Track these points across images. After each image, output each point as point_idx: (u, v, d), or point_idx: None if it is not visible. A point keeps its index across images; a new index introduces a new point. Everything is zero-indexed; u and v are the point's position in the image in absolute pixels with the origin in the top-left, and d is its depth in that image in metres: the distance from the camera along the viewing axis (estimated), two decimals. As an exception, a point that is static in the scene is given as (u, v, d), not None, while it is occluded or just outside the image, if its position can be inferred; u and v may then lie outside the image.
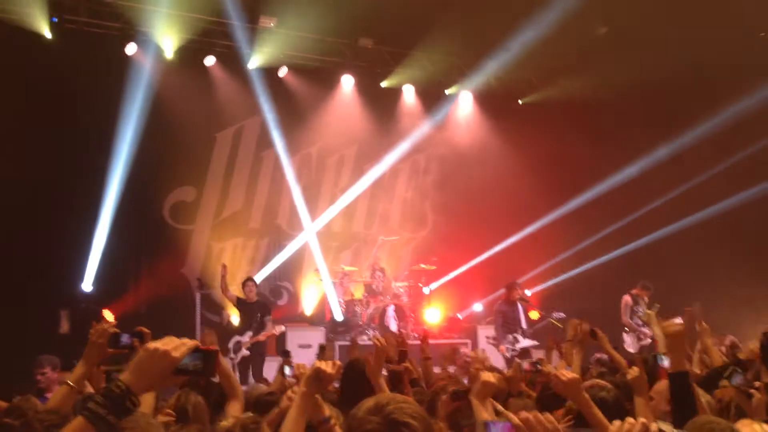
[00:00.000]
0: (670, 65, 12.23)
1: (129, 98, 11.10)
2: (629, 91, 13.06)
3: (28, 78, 10.16)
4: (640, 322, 10.42)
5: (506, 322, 10.61)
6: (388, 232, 13.76)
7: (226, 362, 3.89)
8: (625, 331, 10.45)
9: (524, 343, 10.23)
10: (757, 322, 10.98)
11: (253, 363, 9.55)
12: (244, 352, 9.52)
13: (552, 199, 13.60)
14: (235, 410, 3.54)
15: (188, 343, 1.82)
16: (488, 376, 3.15)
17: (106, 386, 1.74)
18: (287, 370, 4.77)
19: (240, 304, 9.92)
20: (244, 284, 9.97)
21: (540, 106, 14.46)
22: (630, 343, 10.35)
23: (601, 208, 13.38)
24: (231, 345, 9.56)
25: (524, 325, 10.63)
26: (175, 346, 1.79)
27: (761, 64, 11.98)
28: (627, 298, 10.67)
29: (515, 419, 1.98)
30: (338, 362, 2.87)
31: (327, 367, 2.74)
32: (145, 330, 2.92)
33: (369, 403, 1.83)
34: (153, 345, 1.79)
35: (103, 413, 1.68)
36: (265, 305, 10.21)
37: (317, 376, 2.73)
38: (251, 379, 9.03)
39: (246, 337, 9.63)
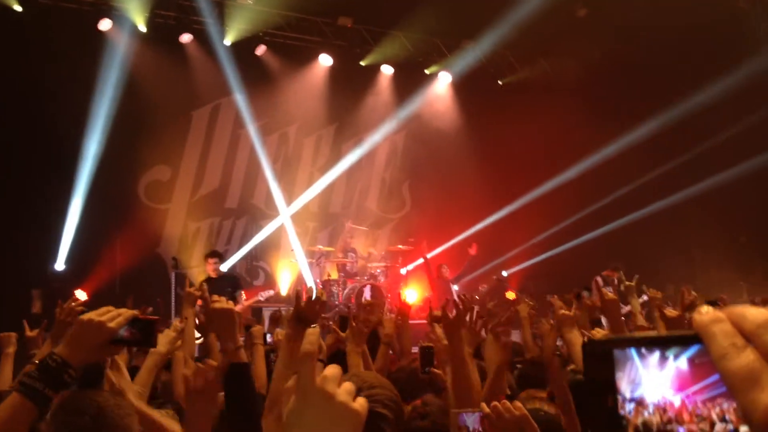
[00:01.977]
0: (649, 47, 12.27)
1: (103, 75, 10.94)
2: (608, 73, 13.10)
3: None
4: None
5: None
6: (365, 213, 13.75)
7: (191, 325, 3.82)
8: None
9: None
10: (732, 302, 11.14)
11: None
12: None
13: (530, 179, 13.63)
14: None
15: (125, 313, 1.77)
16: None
17: (41, 360, 1.68)
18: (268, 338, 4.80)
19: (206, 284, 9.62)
20: (205, 259, 9.47)
21: (520, 86, 14.45)
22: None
23: (579, 188, 13.44)
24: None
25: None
26: (111, 316, 1.75)
27: (739, 44, 12.07)
28: (597, 279, 10.96)
29: (486, 408, 1.98)
30: (324, 299, 2.87)
31: (308, 304, 2.75)
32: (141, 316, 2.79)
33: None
34: (88, 316, 1.74)
35: (40, 387, 1.63)
36: (235, 279, 9.79)
37: (299, 316, 2.73)
38: None
39: None
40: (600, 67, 12.94)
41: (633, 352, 0.81)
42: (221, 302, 2.38)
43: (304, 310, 2.77)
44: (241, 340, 2.32)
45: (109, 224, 11.09)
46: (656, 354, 0.80)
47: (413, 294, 12.46)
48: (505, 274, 13.38)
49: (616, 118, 13.26)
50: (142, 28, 11.61)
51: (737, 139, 12.45)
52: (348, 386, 0.96)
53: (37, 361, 1.70)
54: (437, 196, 13.57)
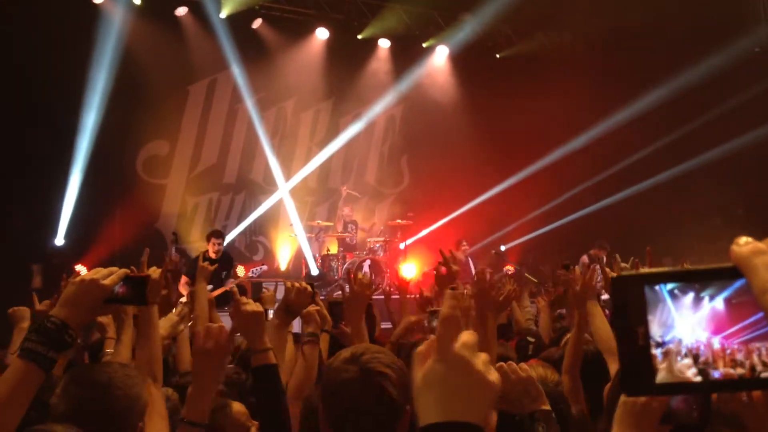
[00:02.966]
0: (647, 19, 12.19)
1: (98, 50, 10.83)
2: (606, 46, 13.04)
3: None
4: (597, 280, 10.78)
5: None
6: (363, 187, 13.74)
7: (204, 300, 3.83)
8: None
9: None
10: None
11: None
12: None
13: (528, 153, 13.61)
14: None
15: (118, 271, 1.78)
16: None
17: (40, 323, 1.68)
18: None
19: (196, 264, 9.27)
20: (208, 238, 9.35)
21: (517, 60, 14.37)
22: None
23: (577, 162, 13.43)
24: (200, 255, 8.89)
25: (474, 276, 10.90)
26: (104, 274, 1.76)
27: (736, 18, 12.01)
28: (584, 258, 11.14)
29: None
30: (309, 290, 2.88)
31: (295, 296, 2.76)
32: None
33: (345, 353, 1.82)
34: (80, 276, 1.75)
35: (42, 350, 1.63)
36: (230, 260, 9.63)
37: (287, 307, 2.75)
38: None
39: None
40: (598, 40, 12.88)
41: (665, 293, 0.80)
42: (251, 304, 2.38)
43: (293, 301, 2.78)
44: (268, 341, 2.32)
45: (108, 199, 11.07)
46: (690, 295, 0.79)
47: (412, 268, 12.48)
48: (503, 248, 13.39)
49: (614, 92, 13.21)
50: (137, 0, 11.48)
51: (734, 113, 12.45)
52: (485, 356, 0.94)
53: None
54: (436, 169, 13.54)
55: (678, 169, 13.11)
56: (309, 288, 2.96)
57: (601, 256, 11.18)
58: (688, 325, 0.80)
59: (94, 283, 1.73)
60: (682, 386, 0.82)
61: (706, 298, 0.79)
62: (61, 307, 1.71)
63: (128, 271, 1.80)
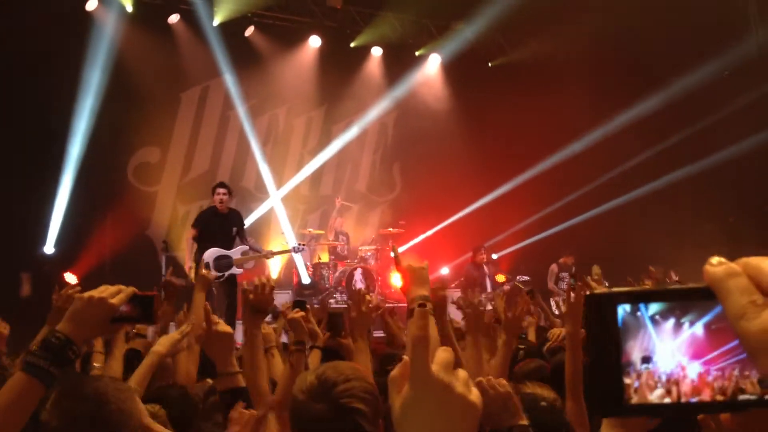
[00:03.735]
0: (642, 25, 12.24)
1: (90, 57, 10.82)
2: (599, 52, 13.08)
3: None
4: (563, 286, 11.19)
5: (471, 284, 10.85)
6: (355, 195, 13.73)
7: (200, 309, 3.82)
8: (553, 298, 10.99)
9: (489, 306, 10.38)
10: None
11: (226, 295, 8.56)
12: (235, 270, 8.64)
13: (520, 162, 13.64)
14: (189, 362, 3.47)
15: (125, 289, 1.77)
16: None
17: (44, 338, 1.68)
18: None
19: (206, 215, 8.87)
20: (213, 191, 8.91)
21: (509, 68, 14.41)
22: (555, 308, 10.88)
23: (568, 171, 13.46)
24: (210, 260, 8.48)
25: (489, 288, 10.95)
26: (111, 293, 1.75)
27: (732, 21, 12.09)
28: (553, 267, 11.64)
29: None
30: (269, 284, 2.87)
31: (254, 294, 2.75)
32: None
33: (311, 378, 1.76)
34: (88, 293, 1.74)
35: (45, 365, 1.63)
36: (239, 215, 9.24)
37: (253, 307, 2.74)
38: None
39: (237, 253, 8.67)
40: (590, 49, 12.91)
41: (646, 319, 0.79)
42: (221, 324, 2.37)
43: (256, 301, 2.78)
44: (236, 364, 2.31)
45: (99, 206, 11.03)
46: (671, 321, 0.78)
47: (398, 277, 12.46)
48: (494, 257, 13.39)
49: (607, 100, 13.24)
50: (129, 8, 11.48)
51: (727, 121, 12.50)
52: (463, 375, 0.89)
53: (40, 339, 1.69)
54: (428, 178, 13.54)
55: (670, 177, 13.16)
56: (270, 282, 2.93)
57: (569, 263, 11.51)
58: (668, 351, 0.79)
59: (101, 301, 1.73)
60: (654, 408, 0.81)
61: (686, 324, 0.79)
62: (66, 323, 1.71)
63: (136, 290, 1.79)
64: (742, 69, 12.42)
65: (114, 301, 1.74)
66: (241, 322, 3.42)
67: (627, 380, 0.78)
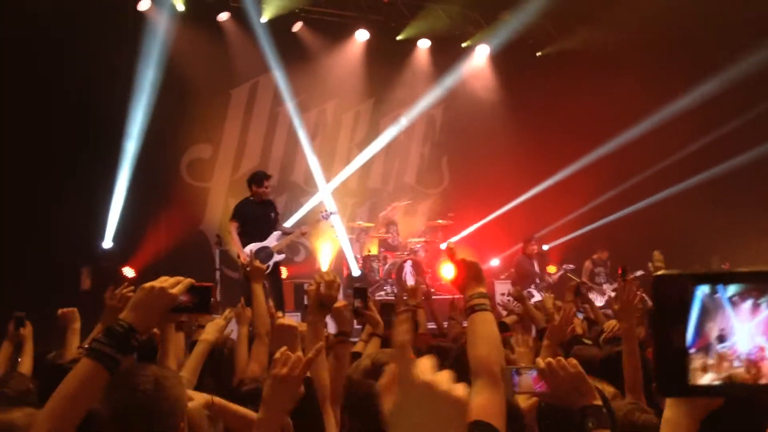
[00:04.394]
0: (695, 7, 11.94)
1: (143, 56, 11.05)
2: (650, 38, 12.81)
3: (38, 36, 10.10)
4: (601, 281, 11.38)
5: (522, 276, 10.79)
6: (404, 189, 13.76)
7: (263, 299, 3.89)
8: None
9: (539, 296, 10.33)
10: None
11: (271, 284, 8.55)
12: (277, 257, 8.82)
13: (570, 152, 13.46)
14: (260, 354, 3.54)
15: (184, 280, 1.84)
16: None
17: (109, 326, 1.76)
18: None
19: (243, 207, 9.01)
20: (261, 182, 9.00)
21: (558, 58, 14.22)
22: (596, 299, 10.93)
23: (619, 161, 13.24)
24: (250, 252, 8.63)
25: (539, 278, 10.90)
26: (171, 283, 1.82)
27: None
28: (587, 264, 11.69)
29: (541, 364, 1.98)
30: (337, 281, 2.91)
31: (324, 289, 2.79)
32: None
33: (365, 362, 1.82)
34: (150, 284, 1.81)
35: (110, 351, 1.70)
36: (272, 202, 9.45)
37: (320, 302, 2.78)
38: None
39: (272, 240, 8.84)
40: (641, 36, 12.66)
41: (725, 300, 0.80)
42: (285, 318, 2.44)
43: (324, 295, 2.81)
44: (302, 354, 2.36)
45: (154, 202, 11.29)
46: (749, 302, 0.79)
47: (453, 269, 12.43)
48: (545, 248, 13.27)
49: (658, 88, 12.97)
50: (180, 7, 11.68)
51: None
52: (446, 374, 0.91)
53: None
54: (476, 170, 13.49)
55: (728, 164, 12.83)
56: (337, 279, 2.97)
57: (604, 258, 11.37)
58: (746, 332, 0.80)
59: (162, 291, 1.80)
60: (716, 389, 0.81)
61: (764, 304, 0.79)
62: (129, 312, 1.78)
63: (193, 280, 1.85)
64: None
65: (174, 291, 1.80)
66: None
67: (709, 360, 0.79)
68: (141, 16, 11.31)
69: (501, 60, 14.19)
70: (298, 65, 12.58)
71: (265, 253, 8.76)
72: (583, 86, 12.93)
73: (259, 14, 12.19)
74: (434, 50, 13.97)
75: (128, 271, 10.21)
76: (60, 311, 4.11)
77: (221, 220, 12.30)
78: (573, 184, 13.36)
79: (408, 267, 11.53)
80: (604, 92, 12.68)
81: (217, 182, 12.55)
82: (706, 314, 0.82)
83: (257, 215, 8.95)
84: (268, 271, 8.42)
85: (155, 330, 3.10)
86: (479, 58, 14.31)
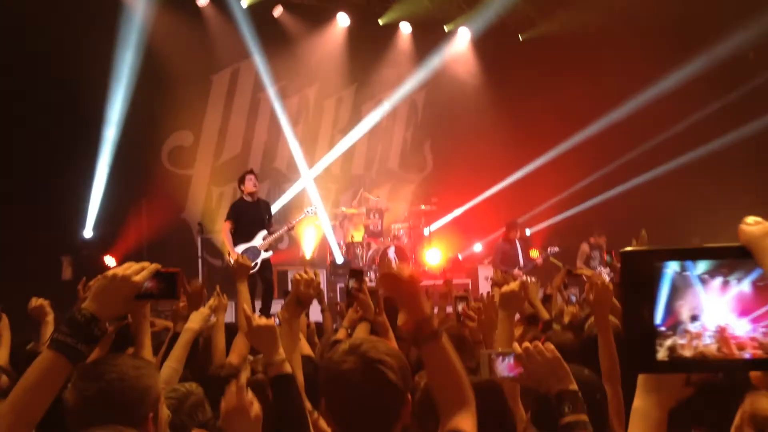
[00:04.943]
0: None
1: (122, 42, 10.91)
2: (630, 24, 12.83)
3: (16, 22, 9.95)
4: (595, 266, 11.26)
5: (504, 260, 10.83)
6: (387, 173, 13.76)
7: (246, 294, 3.92)
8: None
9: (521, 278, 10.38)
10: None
11: (262, 280, 8.75)
12: (264, 254, 8.86)
13: (552, 136, 13.50)
14: (241, 346, 3.57)
15: (149, 266, 1.80)
16: (511, 286, 3.16)
17: (70, 316, 1.72)
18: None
19: (237, 207, 9.00)
20: (243, 179, 9.00)
21: (540, 41, 14.20)
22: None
23: (601, 145, 13.29)
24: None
25: (522, 262, 10.92)
26: (135, 270, 1.77)
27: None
28: (584, 247, 11.50)
29: (518, 349, 1.99)
30: (317, 280, 2.91)
31: (304, 288, 2.80)
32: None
33: (344, 345, 1.84)
34: (112, 271, 1.76)
35: (72, 342, 1.67)
36: (268, 204, 9.49)
37: (297, 299, 2.79)
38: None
39: (259, 239, 8.85)
40: (622, 18, 12.67)
41: (695, 278, 0.79)
42: (260, 319, 2.43)
43: (303, 294, 2.82)
44: (283, 352, 2.37)
45: (135, 190, 11.18)
46: (719, 279, 0.79)
47: (436, 254, 12.48)
48: (528, 232, 13.33)
49: (640, 70, 13.00)
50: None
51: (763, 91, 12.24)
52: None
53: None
54: (459, 154, 13.50)
55: (707, 148, 12.92)
56: (317, 278, 2.97)
57: (601, 243, 11.40)
58: (716, 309, 0.80)
59: (125, 278, 1.75)
60: (686, 364, 0.81)
61: (733, 282, 0.79)
62: (91, 301, 1.74)
63: (159, 266, 1.82)
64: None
65: (137, 278, 1.76)
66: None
67: (678, 338, 0.79)
68: (119, 1, 11.15)
69: (483, 44, 14.17)
70: (279, 50, 12.48)
71: (251, 252, 8.75)
72: (565, 70, 12.96)
73: (240, -1, 12.07)
74: (416, 34, 13.92)
75: (110, 260, 10.12)
76: (29, 307, 4.07)
77: (203, 208, 12.25)
78: (556, 167, 13.40)
79: (391, 253, 11.54)
80: (587, 75, 12.71)
81: (198, 169, 12.47)
82: (675, 292, 0.82)
83: (250, 216, 8.93)
84: (255, 269, 8.45)
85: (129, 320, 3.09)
86: (461, 42, 14.28)
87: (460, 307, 4.29)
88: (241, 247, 8.81)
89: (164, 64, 11.27)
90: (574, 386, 1.93)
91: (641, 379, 1.31)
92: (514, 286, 3.14)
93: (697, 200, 12.60)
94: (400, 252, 11.63)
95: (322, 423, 2.44)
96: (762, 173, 12.71)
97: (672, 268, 0.82)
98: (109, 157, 10.95)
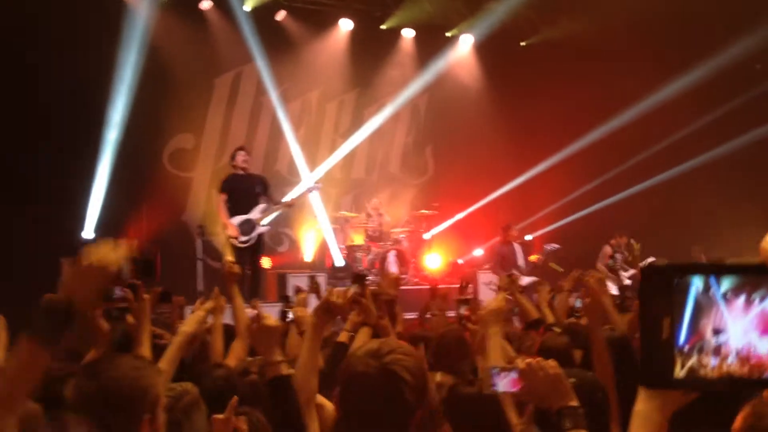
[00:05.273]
0: (676, 3, 12.00)
1: (124, 44, 10.92)
2: (633, 31, 12.85)
3: (19, 24, 9.97)
4: (617, 267, 11.25)
5: (503, 263, 10.84)
6: (388, 179, 13.80)
7: (240, 300, 3.96)
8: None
9: (522, 280, 10.38)
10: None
11: (252, 263, 8.80)
12: (261, 228, 8.91)
13: (554, 142, 13.51)
14: (238, 350, 3.59)
15: (123, 249, 1.82)
16: (496, 302, 3.12)
17: (44, 303, 1.74)
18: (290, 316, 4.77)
19: (229, 182, 9.12)
20: (234, 155, 9.24)
21: (542, 47, 14.23)
22: (610, 287, 10.86)
23: (603, 151, 13.30)
24: (235, 225, 8.83)
25: (521, 263, 10.93)
26: (108, 253, 1.80)
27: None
28: (606, 249, 11.49)
29: (522, 365, 1.98)
30: (351, 290, 2.92)
31: (336, 298, 2.78)
32: (138, 282, 2.93)
33: (373, 345, 1.85)
34: (86, 256, 1.79)
35: (46, 327, 1.69)
36: (263, 178, 9.58)
37: (327, 307, 2.77)
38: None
39: (256, 213, 8.91)
40: (625, 25, 12.69)
41: (718, 297, 0.79)
42: (270, 319, 2.44)
43: (336, 306, 2.81)
44: (280, 354, 2.37)
45: (136, 192, 11.17)
46: (742, 297, 0.79)
47: (437, 259, 12.48)
48: (529, 237, 13.33)
49: (642, 77, 13.02)
50: (163, -5, 11.56)
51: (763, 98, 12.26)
52: None
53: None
54: (460, 159, 13.51)
55: (707, 156, 12.93)
56: (348, 292, 2.99)
57: (621, 243, 11.39)
58: (739, 328, 0.79)
59: (100, 264, 1.78)
60: (703, 383, 0.81)
61: (757, 300, 0.79)
62: (65, 287, 1.76)
63: (134, 249, 1.82)
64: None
65: (111, 262, 1.78)
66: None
67: (703, 359, 0.79)
68: (123, 3, 11.16)
69: (485, 50, 14.19)
70: (281, 54, 12.50)
71: (248, 225, 8.85)
72: (566, 76, 12.98)
73: (242, 2, 12.09)
74: (418, 40, 13.94)
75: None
76: None
77: (204, 210, 12.25)
78: (557, 173, 13.41)
79: (392, 257, 11.54)
80: (589, 82, 12.74)
81: (199, 172, 12.46)
82: (699, 311, 0.82)
83: (242, 188, 9.08)
84: (250, 243, 8.48)
85: (131, 320, 3.10)
86: (463, 47, 14.30)
87: (462, 310, 4.30)
88: (237, 219, 8.86)
89: (167, 67, 11.30)
90: (574, 402, 1.93)
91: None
92: (500, 302, 3.12)
93: (697, 208, 12.62)
94: (400, 256, 11.63)
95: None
96: (762, 181, 12.73)
97: (696, 286, 0.82)
98: (111, 158, 10.95)
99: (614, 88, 12.85)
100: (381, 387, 1.75)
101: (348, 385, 1.81)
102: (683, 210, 12.71)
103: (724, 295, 0.81)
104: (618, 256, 11.41)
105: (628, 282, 11.06)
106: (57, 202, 10.27)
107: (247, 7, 12.15)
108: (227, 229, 8.95)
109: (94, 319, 2.91)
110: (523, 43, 14.66)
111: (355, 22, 13.26)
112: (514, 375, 2.01)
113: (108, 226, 10.89)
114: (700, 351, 0.82)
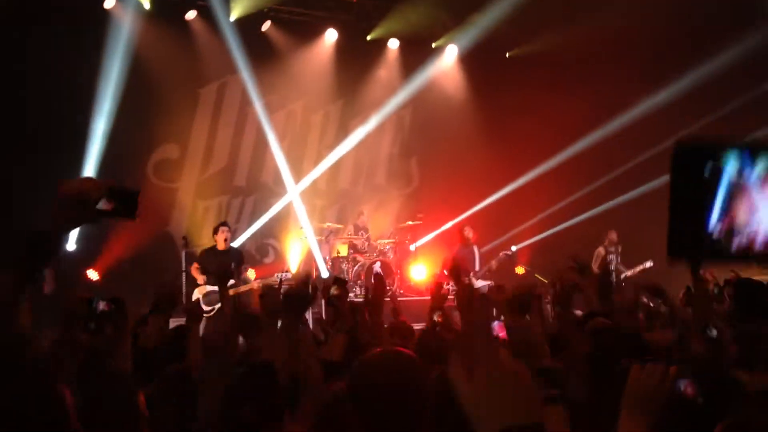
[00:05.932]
0: (657, 16, 12.10)
1: (109, 54, 10.90)
2: (617, 42, 12.94)
3: (2, 34, 9.91)
4: (614, 268, 11.42)
5: (464, 265, 10.87)
6: (373, 190, 13.76)
7: (197, 336, 3.94)
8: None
9: (477, 284, 10.44)
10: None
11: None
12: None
13: (539, 153, 13.54)
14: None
15: (102, 183, 1.82)
16: None
17: (26, 237, 1.79)
18: None
19: (207, 255, 9.33)
20: (216, 230, 9.43)
21: (527, 59, 14.28)
22: None
23: (589, 161, 13.35)
24: (200, 296, 8.98)
25: (477, 266, 10.99)
26: (86, 186, 1.81)
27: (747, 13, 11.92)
28: (599, 250, 11.60)
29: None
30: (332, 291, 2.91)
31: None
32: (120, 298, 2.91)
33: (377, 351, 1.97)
34: (66, 185, 1.81)
35: (27, 255, 1.75)
36: (239, 253, 9.74)
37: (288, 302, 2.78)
38: None
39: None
40: (611, 35, 12.77)
41: (755, 180, 0.78)
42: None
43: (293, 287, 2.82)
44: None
45: (119, 203, 11.08)
46: None
47: (422, 270, 12.46)
48: (514, 248, 13.31)
49: (625, 90, 13.11)
50: (147, 5, 11.53)
51: (747, 109, 12.36)
52: None
53: None
54: (445, 170, 13.51)
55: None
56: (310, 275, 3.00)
57: (614, 240, 11.50)
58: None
59: (79, 196, 1.80)
60: (724, 256, 0.80)
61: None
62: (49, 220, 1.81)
63: (113, 182, 1.80)
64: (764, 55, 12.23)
65: (90, 194, 1.79)
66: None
67: (734, 235, 0.78)
68: (106, 13, 11.14)
69: (470, 61, 14.24)
70: (266, 65, 12.50)
71: (213, 297, 8.88)
72: (551, 87, 13.04)
73: (228, 13, 12.08)
74: (404, 51, 13.97)
75: (92, 274, 10.03)
76: None
77: (188, 221, 12.19)
78: (542, 184, 13.44)
79: (377, 268, 11.51)
80: (573, 93, 12.80)
81: (184, 183, 12.42)
82: (733, 194, 0.81)
83: (213, 263, 9.07)
84: (211, 313, 8.57)
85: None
86: (449, 58, 14.34)
87: (435, 317, 4.27)
88: (206, 288, 9.02)
89: (151, 78, 11.27)
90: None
91: (625, 398, 1.30)
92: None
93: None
94: (385, 267, 11.60)
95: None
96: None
97: (730, 170, 0.81)
98: (95, 169, 10.90)
99: (600, 99, 12.92)
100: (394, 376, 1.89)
101: (360, 375, 1.90)
102: (664, 220, 12.76)
103: (759, 178, 0.81)
104: (612, 257, 11.46)
105: (623, 276, 11.39)
106: (40, 213, 10.15)
107: (233, 17, 12.14)
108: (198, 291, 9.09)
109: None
110: (508, 54, 14.72)
111: (340, 33, 13.28)
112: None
113: (90, 237, 10.82)
114: (731, 233, 0.82)
